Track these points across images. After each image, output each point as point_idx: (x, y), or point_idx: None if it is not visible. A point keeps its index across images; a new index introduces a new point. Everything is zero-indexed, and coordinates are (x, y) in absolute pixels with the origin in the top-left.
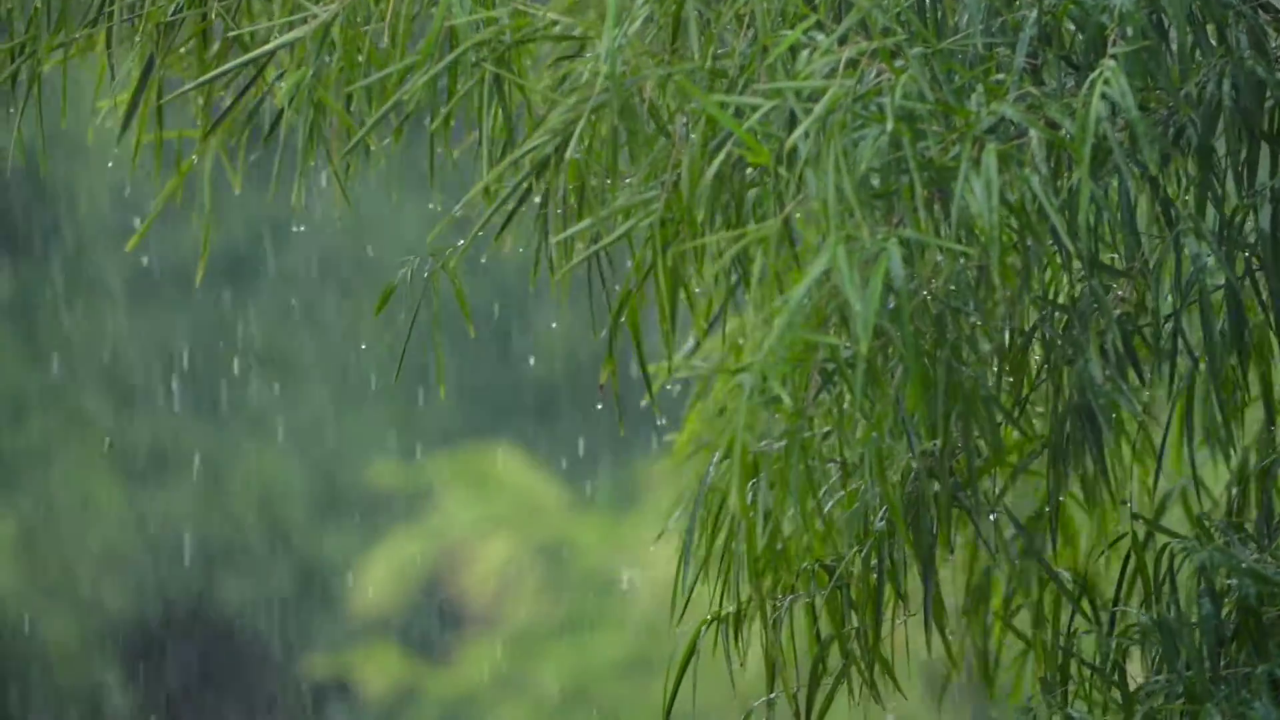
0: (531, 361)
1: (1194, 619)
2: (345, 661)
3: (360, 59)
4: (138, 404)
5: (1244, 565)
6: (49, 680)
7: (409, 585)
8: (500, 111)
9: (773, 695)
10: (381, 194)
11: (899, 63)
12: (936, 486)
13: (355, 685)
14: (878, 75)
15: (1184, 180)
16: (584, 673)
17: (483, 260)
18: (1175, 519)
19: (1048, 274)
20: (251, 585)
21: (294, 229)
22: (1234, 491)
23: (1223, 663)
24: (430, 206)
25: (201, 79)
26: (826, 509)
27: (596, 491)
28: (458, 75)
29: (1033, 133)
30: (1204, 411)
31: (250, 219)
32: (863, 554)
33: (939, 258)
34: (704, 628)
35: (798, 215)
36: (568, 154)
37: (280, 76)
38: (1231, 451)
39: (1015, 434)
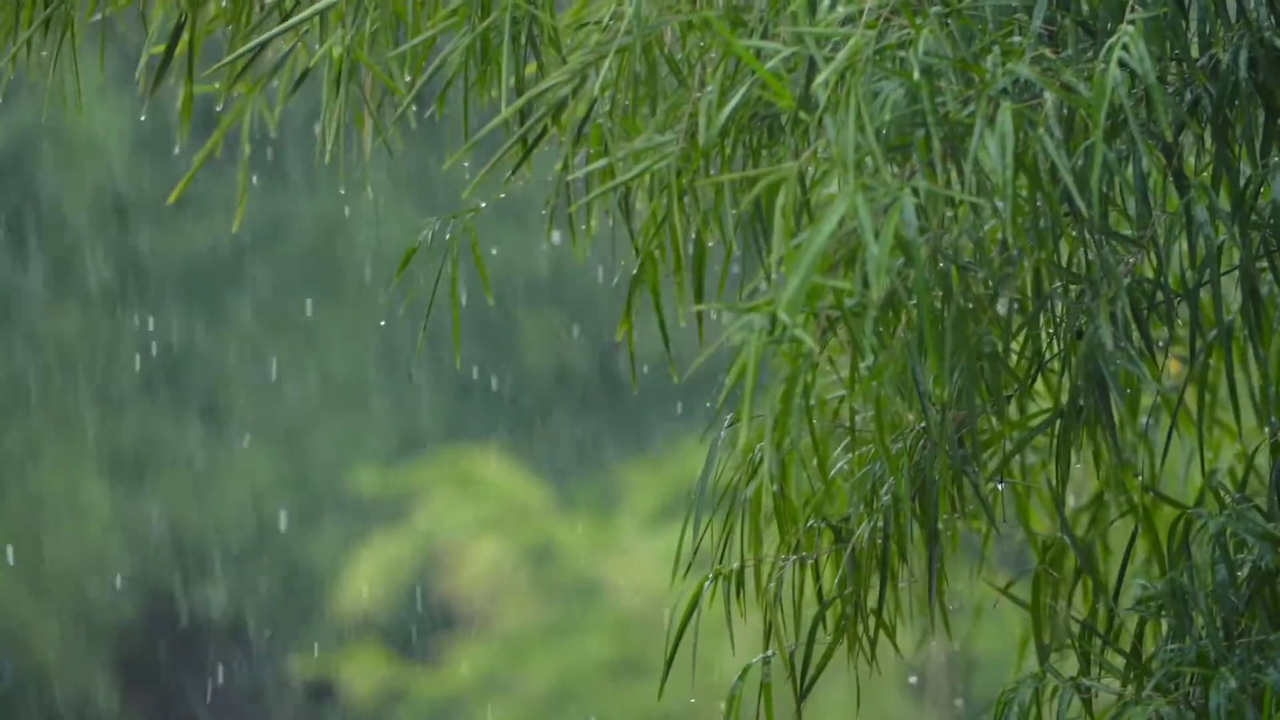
0: (518, 363)
1: (1209, 586)
2: (332, 663)
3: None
4: (124, 404)
5: (1260, 530)
6: (36, 681)
7: (395, 587)
8: (533, 59)
9: (769, 653)
10: (366, 197)
11: (919, 20)
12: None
13: (342, 686)
14: (898, 30)
15: (1198, 152)
16: (570, 674)
17: (493, 236)
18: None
19: (1062, 248)
20: (238, 587)
21: (277, 236)
22: (1248, 465)
23: (1238, 630)
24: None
25: (239, 51)
26: (834, 471)
27: (582, 493)
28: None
29: (1048, 95)
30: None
31: (237, 221)
32: (869, 521)
33: (950, 213)
34: (706, 583)
35: (814, 164)
36: (593, 91)
37: (304, 21)
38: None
39: (1026, 406)
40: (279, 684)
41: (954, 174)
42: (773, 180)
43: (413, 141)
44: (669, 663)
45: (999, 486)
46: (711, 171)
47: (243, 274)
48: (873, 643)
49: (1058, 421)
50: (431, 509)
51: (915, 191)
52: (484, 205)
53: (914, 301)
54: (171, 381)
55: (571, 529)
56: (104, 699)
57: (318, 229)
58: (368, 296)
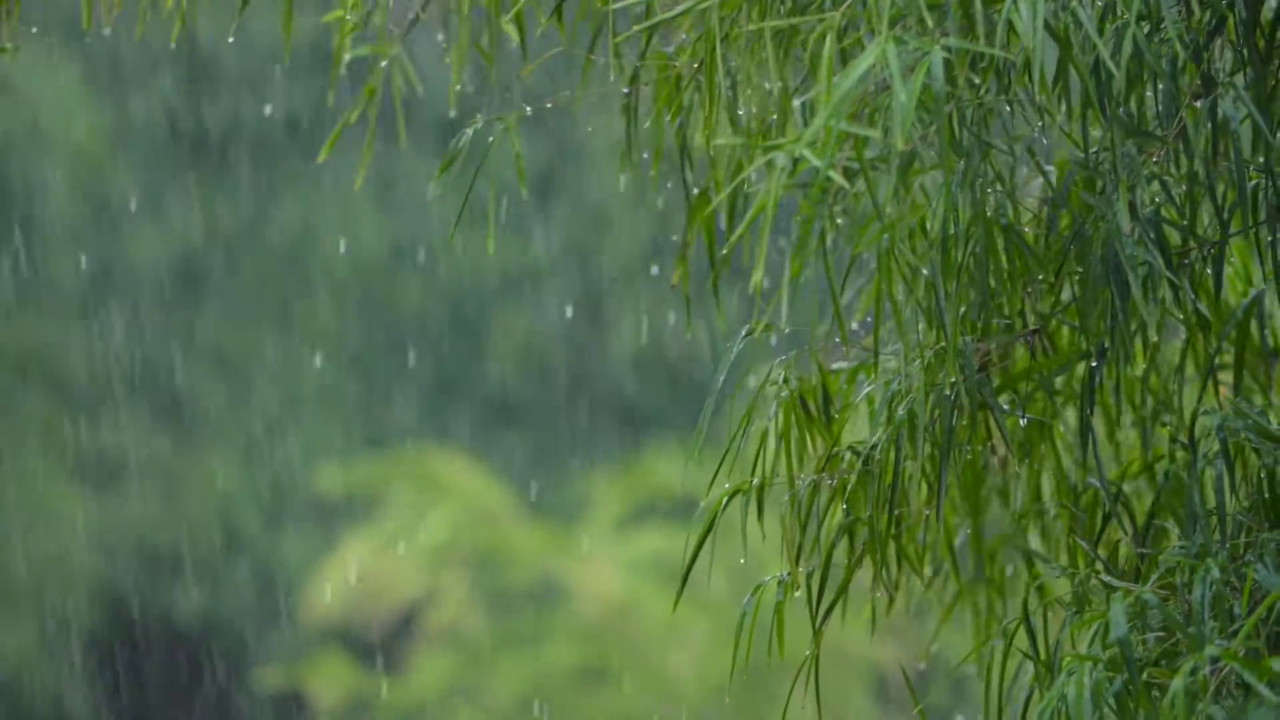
0: (490, 368)
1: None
2: (299, 671)
3: None
4: (93, 410)
5: (1257, 425)
6: (6, 688)
7: (361, 595)
8: None
9: (784, 574)
10: (336, 202)
11: None
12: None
13: (309, 695)
14: None
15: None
16: (535, 680)
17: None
18: None
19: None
20: (207, 593)
21: (243, 243)
22: None
23: (1238, 528)
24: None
25: None
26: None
27: (548, 500)
28: None
29: None
30: None
31: (206, 226)
32: (884, 433)
33: (975, 80)
34: (726, 500)
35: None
36: None
37: None
38: None
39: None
40: (248, 691)
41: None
42: (816, 30)
43: (378, 145)
44: (685, 575)
45: (1021, 421)
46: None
47: (214, 277)
48: (891, 559)
49: (1084, 363)
50: (397, 517)
51: (946, 48)
52: (529, 110)
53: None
54: (140, 386)
55: (537, 536)
56: (74, 706)
57: (287, 233)
58: (337, 300)
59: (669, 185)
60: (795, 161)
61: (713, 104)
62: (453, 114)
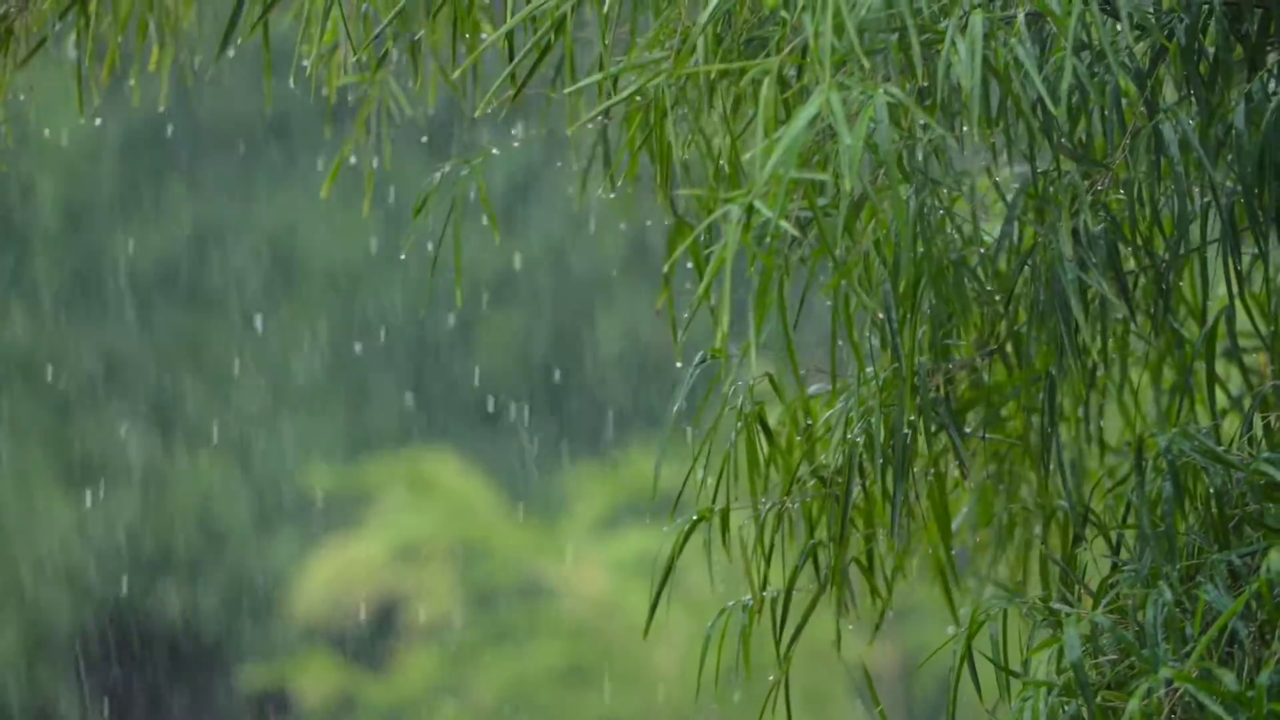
0: (475, 368)
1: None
2: (284, 671)
3: None
4: (80, 411)
5: (1203, 447)
6: None
7: (346, 594)
8: None
9: (747, 599)
10: (319, 205)
11: None
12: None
13: (294, 694)
14: None
15: (1170, 80)
16: (520, 680)
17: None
18: None
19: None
20: (192, 595)
21: (230, 242)
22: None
23: (1189, 547)
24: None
25: None
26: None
27: (533, 500)
28: None
29: (1020, 13)
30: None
31: (190, 227)
32: (840, 456)
33: (920, 121)
34: (688, 528)
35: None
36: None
37: None
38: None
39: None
40: (233, 692)
41: (925, 82)
42: (759, 69)
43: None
44: (654, 606)
45: (983, 438)
46: (698, 101)
47: (200, 279)
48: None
49: (1041, 381)
50: (382, 515)
51: (890, 93)
52: (496, 151)
53: (884, 203)
54: (127, 388)
55: (522, 535)
56: (61, 706)
57: (272, 234)
58: (322, 300)
59: (646, 211)
60: (749, 213)
61: (665, 166)
62: (426, 138)
